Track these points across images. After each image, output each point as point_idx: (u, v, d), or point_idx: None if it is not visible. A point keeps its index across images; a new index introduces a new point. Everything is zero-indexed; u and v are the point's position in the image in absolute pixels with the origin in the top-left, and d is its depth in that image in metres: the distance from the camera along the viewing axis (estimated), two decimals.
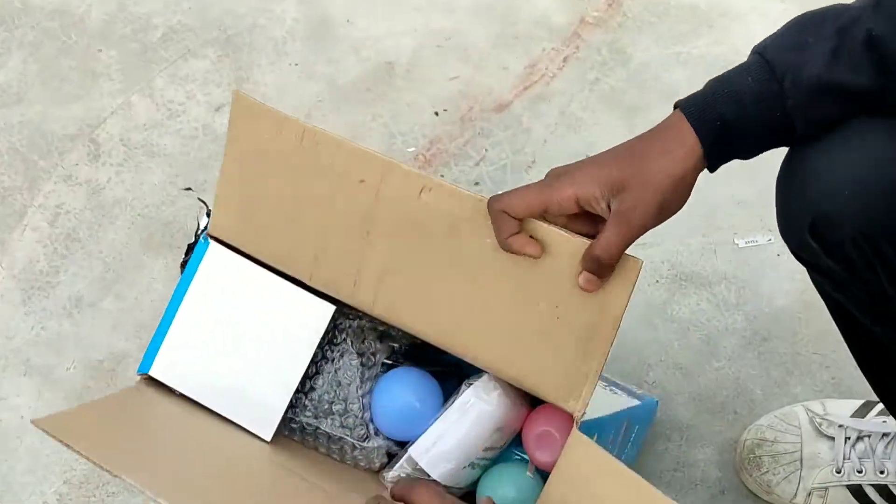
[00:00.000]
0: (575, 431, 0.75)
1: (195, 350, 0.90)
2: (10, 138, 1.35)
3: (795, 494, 1.13)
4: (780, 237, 0.88)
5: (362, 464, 0.84)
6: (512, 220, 0.77)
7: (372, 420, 0.85)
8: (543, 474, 0.84)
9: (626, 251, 0.77)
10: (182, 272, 0.91)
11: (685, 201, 0.82)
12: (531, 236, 0.77)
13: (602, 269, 0.78)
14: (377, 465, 0.85)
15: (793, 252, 0.92)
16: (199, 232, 1.02)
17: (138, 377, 0.88)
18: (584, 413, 0.76)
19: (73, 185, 1.31)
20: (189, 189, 1.29)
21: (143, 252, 1.22)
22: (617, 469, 0.75)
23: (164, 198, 1.30)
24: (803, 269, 1.35)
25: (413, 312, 0.82)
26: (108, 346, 1.22)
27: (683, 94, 0.79)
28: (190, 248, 1.02)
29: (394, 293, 0.81)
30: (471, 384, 0.81)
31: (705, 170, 0.79)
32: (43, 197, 1.31)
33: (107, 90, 1.38)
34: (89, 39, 1.42)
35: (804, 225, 0.84)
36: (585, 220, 0.79)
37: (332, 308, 0.85)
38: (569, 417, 0.77)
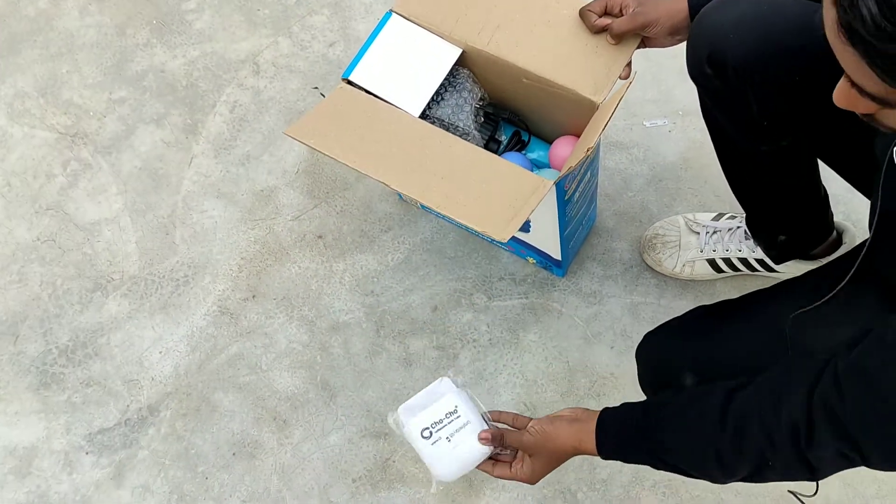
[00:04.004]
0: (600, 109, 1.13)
1: (380, 66, 1.21)
2: (205, 61, 1.75)
3: (675, 265, 1.47)
4: (687, 72, 1.09)
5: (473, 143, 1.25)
6: (596, 8, 1.13)
7: (475, 125, 1.26)
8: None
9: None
10: None
11: (676, 35, 1.07)
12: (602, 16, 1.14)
13: (613, 36, 1.13)
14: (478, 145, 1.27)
15: (694, 76, 1.09)
16: None
17: (342, 80, 1.23)
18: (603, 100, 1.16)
19: (244, 89, 1.71)
20: (316, 88, 1.69)
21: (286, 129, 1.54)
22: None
23: (298, 97, 1.69)
24: (685, 138, 1.64)
25: (506, 49, 1.19)
26: (265, 182, 1.63)
27: None
28: None
29: (499, 38, 1.19)
30: None
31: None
32: (226, 96, 1.71)
33: (263, 33, 1.76)
34: (252, 2, 1.78)
35: (703, 56, 1.03)
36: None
37: (459, 50, 1.23)
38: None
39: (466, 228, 1.53)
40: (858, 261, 0.92)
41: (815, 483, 0.94)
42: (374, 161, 1.15)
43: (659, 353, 1.09)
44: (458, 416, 1.05)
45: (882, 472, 1.35)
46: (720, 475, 0.89)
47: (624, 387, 1.46)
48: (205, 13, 1.80)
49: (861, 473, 1.36)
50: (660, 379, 1.08)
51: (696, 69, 1.05)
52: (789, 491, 1.05)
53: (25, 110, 1.74)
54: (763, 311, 1.03)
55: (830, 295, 0.91)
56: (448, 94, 1.27)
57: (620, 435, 0.94)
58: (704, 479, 0.91)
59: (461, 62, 1.26)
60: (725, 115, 1.11)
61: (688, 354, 1.03)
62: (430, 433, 1.05)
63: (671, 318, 1.14)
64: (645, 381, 1.12)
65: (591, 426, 0.95)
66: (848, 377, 0.78)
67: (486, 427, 1.05)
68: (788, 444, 0.81)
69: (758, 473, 0.86)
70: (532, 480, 1.01)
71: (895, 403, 0.74)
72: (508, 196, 1.12)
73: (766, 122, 1.04)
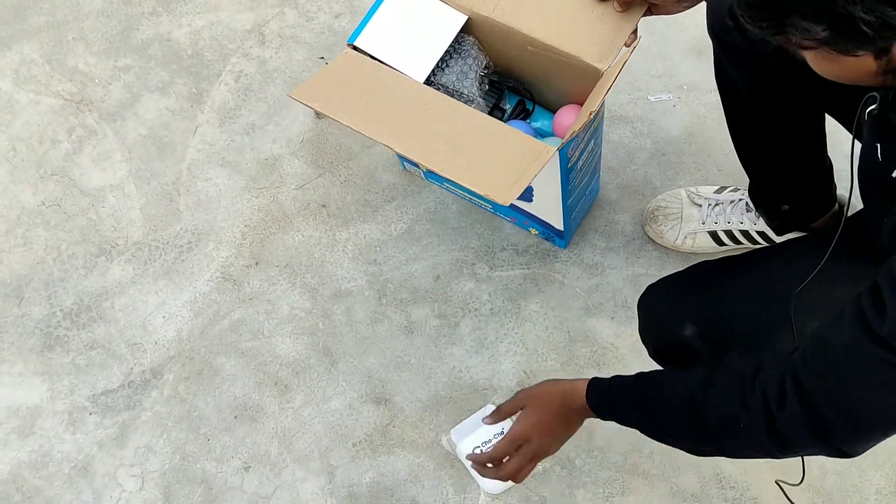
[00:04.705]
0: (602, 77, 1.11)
1: (385, 32, 1.22)
2: (210, 31, 1.75)
3: (677, 238, 1.47)
4: (707, 29, 1.10)
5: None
6: None
7: (479, 92, 1.26)
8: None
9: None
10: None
11: (683, 1, 1.05)
12: None
13: (620, 3, 1.13)
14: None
15: (714, 30, 1.08)
16: None
17: (347, 46, 1.23)
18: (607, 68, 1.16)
19: (249, 59, 1.72)
20: (322, 58, 1.70)
21: (291, 99, 1.53)
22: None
23: (304, 67, 1.70)
24: (689, 113, 1.62)
25: (511, 15, 1.20)
26: (270, 151, 1.64)
27: None
28: None
29: (505, 5, 1.21)
30: None
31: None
32: (231, 65, 1.71)
33: (269, 3, 1.76)
34: None
35: (726, 7, 1.04)
36: None
37: (465, 16, 1.24)
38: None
39: (469, 194, 1.53)
40: (843, 220, 0.92)
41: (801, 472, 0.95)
42: (378, 124, 1.15)
43: (661, 304, 1.09)
44: (503, 436, 1.19)
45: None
46: (690, 436, 0.89)
47: (624, 357, 1.46)
48: None
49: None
50: (660, 329, 1.08)
51: (718, 22, 1.05)
52: (776, 482, 1.06)
53: (31, 76, 1.74)
54: (765, 271, 1.03)
55: (820, 266, 0.92)
56: (453, 60, 1.28)
57: (611, 387, 0.96)
58: (679, 442, 0.90)
59: (466, 29, 1.27)
60: (741, 71, 1.10)
61: (690, 307, 1.04)
62: (480, 450, 1.20)
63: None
64: (645, 331, 1.13)
65: (580, 381, 0.97)
66: (811, 347, 0.81)
67: None
68: (760, 409, 0.82)
69: (726, 434, 0.86)
70: (525, 432, 1.01)
71: (846, 369, 0.76)
72: (512, 161, 1.12)
73: (782, 79, 1.03)
